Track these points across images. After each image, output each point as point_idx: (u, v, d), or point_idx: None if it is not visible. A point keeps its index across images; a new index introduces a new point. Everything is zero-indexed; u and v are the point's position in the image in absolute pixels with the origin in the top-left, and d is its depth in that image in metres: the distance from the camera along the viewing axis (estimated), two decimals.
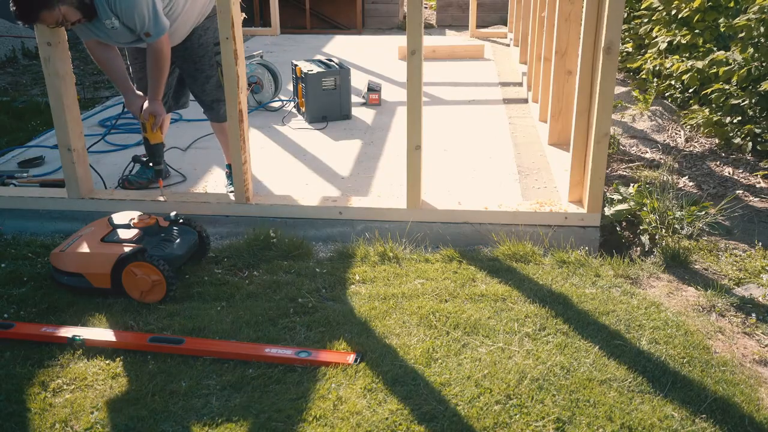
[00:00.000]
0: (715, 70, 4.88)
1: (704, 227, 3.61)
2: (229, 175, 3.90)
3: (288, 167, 4.37)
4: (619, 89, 6.13)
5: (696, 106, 5.30)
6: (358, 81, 5.98)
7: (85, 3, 3.16)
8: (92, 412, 2.37)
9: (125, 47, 3.65)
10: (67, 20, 3.17)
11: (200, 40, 3.67)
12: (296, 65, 5.39)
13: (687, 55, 5.50)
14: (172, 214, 3.33)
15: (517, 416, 2.30)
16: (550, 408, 2.33)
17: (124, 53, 3.72)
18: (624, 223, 3.75)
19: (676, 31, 5.53)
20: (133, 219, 3.24)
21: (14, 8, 3.08)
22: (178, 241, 3.21)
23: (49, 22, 3.17)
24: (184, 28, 3.58)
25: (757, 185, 4.29)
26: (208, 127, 4.86)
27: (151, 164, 3.67)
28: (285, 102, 5.64)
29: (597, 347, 2.64)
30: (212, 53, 3.69)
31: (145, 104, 3.51)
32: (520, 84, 6.30)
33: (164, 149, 3.69)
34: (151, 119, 3.52)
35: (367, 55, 7.72)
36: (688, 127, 5.19)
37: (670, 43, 5.58)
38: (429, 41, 7.62)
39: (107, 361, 2.63)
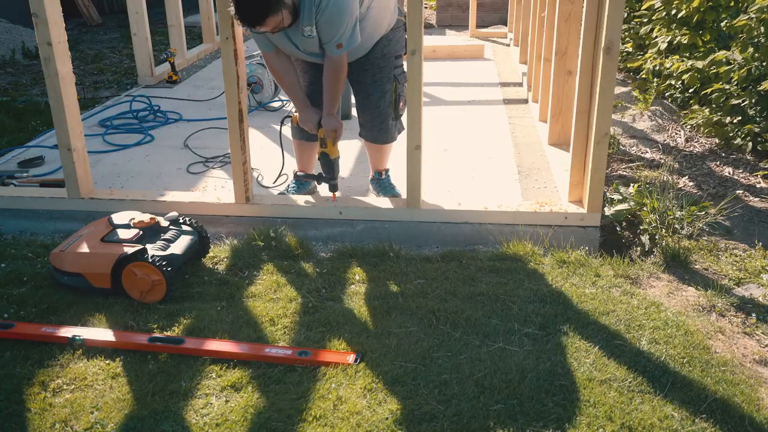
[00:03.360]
0: (715, 70, 4.88)
1: (704, 227, 3.61)
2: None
3: (288, 167, 4.36)
4: (619, 89, 6.12)
5: (696, 106, 5.29)
6: None
7: (296, 7, 3.10)
8: (92, 412, 2.37)
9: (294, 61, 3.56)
10: (283, 24, 3.10)
11: (384, 50, 3.52)
12: None
13: (687, 55, 5.50)
14: (173, 214, 3.34)
15: (517, 416, 2.30)
16: (550, 408, 2.33)
17: None
18: (624, 223, 3.74)
19: (676, 31, 5.53)
20: (133, 219, 3.24)
21: (241, 13, 2.98)
22: (178, 241, 3.21)
23: (271, 26, 3.07)
24: (370, 41, 3.47)
25: (757, 185, 4.29)
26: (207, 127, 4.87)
27: (325, 178, 3.61)
28: (285, 102, 5.64)
29: (597, 347, 2.64)
30: (392, 66, 3.57)
31: (322, 120, 3.46)
32: (520, 84, 6.30)
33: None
34: (332, 134, 3.48)
35: None
36: (688, 127, 5.19)
37: (670, 43, 5.58)
38: (429, 41, 7.61)
39: (107, 361, 2.63)
